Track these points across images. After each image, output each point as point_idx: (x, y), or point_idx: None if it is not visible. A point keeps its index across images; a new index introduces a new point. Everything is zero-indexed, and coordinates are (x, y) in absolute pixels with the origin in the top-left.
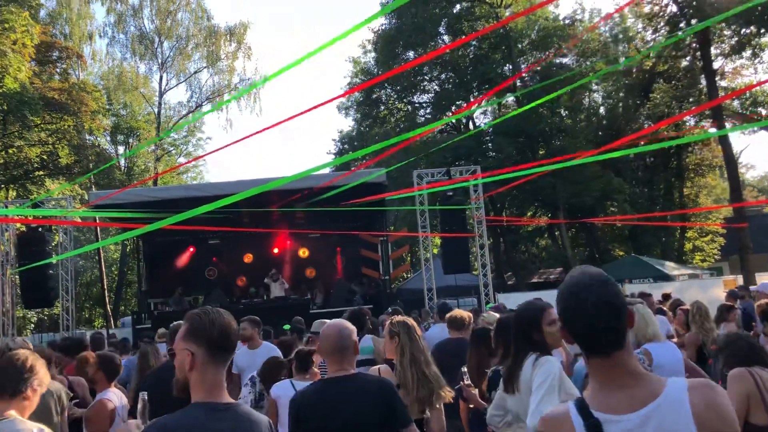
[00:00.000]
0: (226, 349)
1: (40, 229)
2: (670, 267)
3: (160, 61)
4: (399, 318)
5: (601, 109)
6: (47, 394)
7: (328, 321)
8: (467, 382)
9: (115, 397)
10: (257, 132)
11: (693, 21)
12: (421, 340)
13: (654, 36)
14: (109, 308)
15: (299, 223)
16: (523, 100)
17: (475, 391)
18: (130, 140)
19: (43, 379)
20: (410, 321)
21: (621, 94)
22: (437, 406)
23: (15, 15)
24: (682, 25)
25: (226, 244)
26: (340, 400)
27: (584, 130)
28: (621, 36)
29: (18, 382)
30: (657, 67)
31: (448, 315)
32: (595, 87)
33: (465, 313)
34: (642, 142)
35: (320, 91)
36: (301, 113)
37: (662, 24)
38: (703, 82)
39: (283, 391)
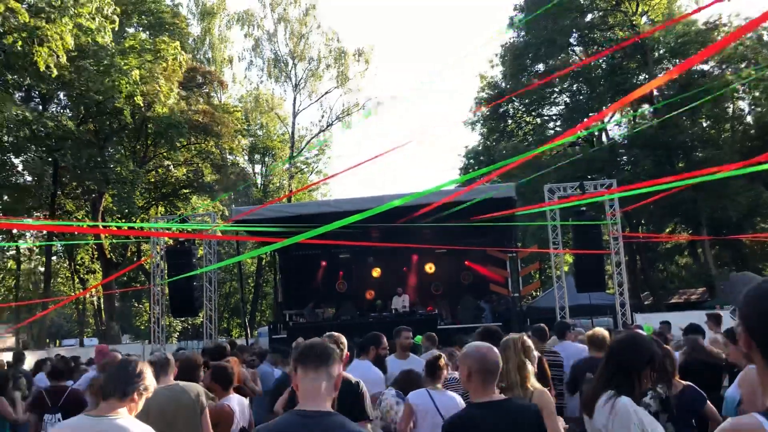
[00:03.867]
0: (308, 358)
1: (186, 243)
2: None
3: (293, 83)
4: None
5: (749, 118)
6: (186, 395)
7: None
8: None
9: (234, 402)
10: (383, 153)
11: None
12: (519, 356)
13: None
14: (246, 319)
15: (427, 239)
16: (661, 110)
17: None
18: (266, 159)
19: (149, 385)
20: (521, 338)
21: None
22: None
23: (167, 45)
24: None
25: (356, 258)
26: (499, 425)
27: (729, 141)
28: None
29: (127, 385)
30: None
31: (588, 333)
32: (741, 94)
33: (605, 332)
34: None
35: (447, 103)
36: (429, 136)
37: None
38: None
39: (419, 398)
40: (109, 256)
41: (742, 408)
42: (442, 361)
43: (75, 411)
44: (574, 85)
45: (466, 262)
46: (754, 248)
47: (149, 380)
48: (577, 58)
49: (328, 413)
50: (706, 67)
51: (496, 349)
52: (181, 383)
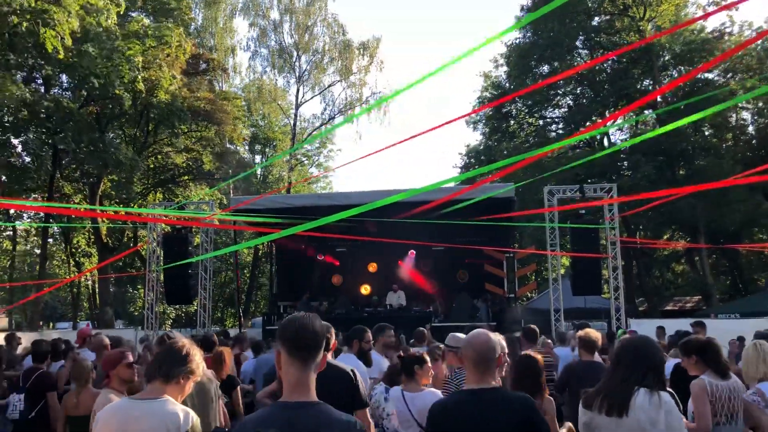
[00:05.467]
0: (300, 348)
1: (183, 231)
2: None
3: (297, 74)
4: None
5: (750, 128)
6: (208, 382)
7: (462, 335)
8: None
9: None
10: (385, 148)
11: None
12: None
13: None
14: (240, 309)
15: (425, 236)
16: (664, 117)
17: None
18: (267, 150)
19: (196, 368)
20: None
21: None
22: None
23: (171, 31)
24: None
25: (353, 252)
26: (481, 414)
27: (730, 150)
28: None
29: (172, 367)
30: None
31: (579, 335)
32: (744, 104)
33: (597, 334)
34: None
35: (449, 102)
36: (431, 129)
37: None
38: None
39: (394, 398)
40: (105, 241)
41: None
42: (437, 368)
43: (40, 393)
44: (578, 89)
45: (466, 260)
46: (750, 258)
47: (196, 363)
48: (582, 61)
49: (311, 403)
50: (710, 76)
51: (493, 339)
52: None
